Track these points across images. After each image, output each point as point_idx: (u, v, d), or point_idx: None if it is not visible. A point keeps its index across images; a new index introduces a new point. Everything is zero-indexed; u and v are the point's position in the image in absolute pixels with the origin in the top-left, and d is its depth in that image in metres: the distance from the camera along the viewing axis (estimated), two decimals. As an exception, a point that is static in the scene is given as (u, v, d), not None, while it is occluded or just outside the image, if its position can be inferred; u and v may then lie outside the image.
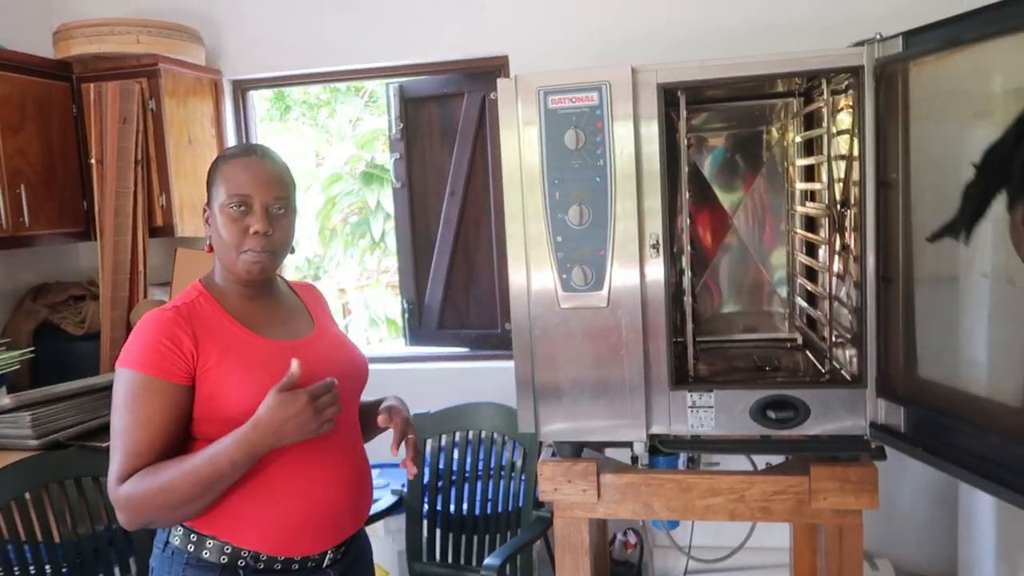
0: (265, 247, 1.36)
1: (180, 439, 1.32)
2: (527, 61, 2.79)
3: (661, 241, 1.77)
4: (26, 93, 2.58)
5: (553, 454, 1.96)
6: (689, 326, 1.90)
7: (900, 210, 1.61)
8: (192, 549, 1.33)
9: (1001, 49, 1.36)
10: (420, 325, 3.23)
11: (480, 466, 2.35)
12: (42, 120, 2.64)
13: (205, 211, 1.41)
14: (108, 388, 2.26)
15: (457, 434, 2.36)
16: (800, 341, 2.31)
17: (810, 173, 2.25)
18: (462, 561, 2.29)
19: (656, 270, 1.78)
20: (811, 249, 2.26)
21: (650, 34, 2.73)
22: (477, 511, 2.29)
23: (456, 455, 2.37)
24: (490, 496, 2.30)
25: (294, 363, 1.28)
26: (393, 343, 6.51)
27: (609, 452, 2.04)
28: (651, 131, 1.75)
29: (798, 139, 2.25)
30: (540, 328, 1.84)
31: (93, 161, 2.68)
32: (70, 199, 2.76)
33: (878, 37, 1.62)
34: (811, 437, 1.81)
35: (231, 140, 3.11)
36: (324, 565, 1.41)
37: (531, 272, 1.82)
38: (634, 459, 1.97)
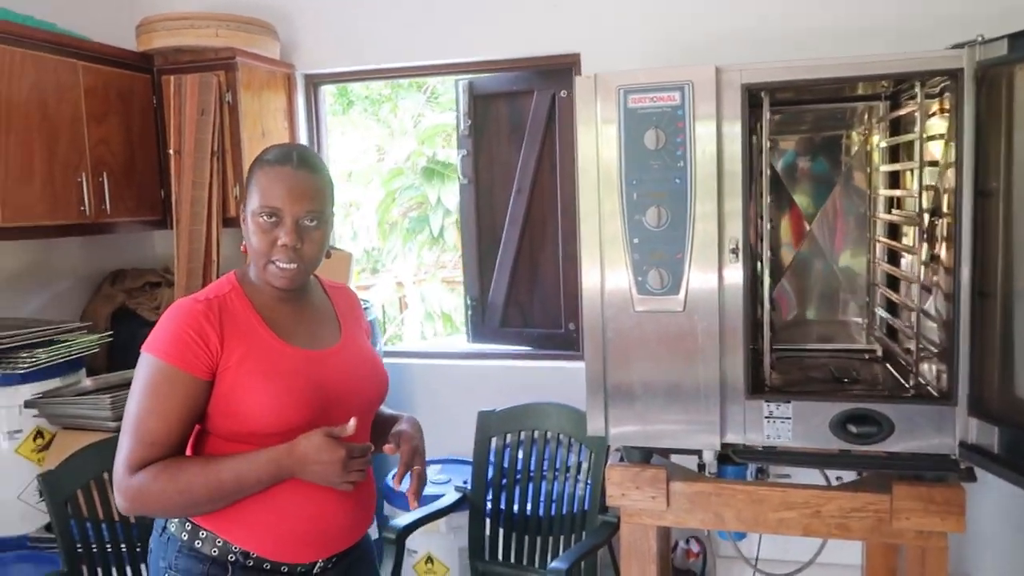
0: (292, 260, 1.34)
1: (192, 431, 1.34)
2: (599, 59, 2.75)
3: (741, 245, 1.73)
4: (110, 85, 2.65)
5: (621, 459, 1.93)
6: (766, 334, 1.84)
7: (1000, 221, 1.53)
8: (186, 538, 1.35)
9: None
10: (483, 322, 3.22)
11: (545, 466, 2.32)
12: (124, 111, 2.71)
13: (242, 210, 1.40)
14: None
15: (522, 433, 2.34)
16: (879, 353, 2.23)
17: (894, 179, 2.16)
18: (524, 561, 2.27)
19: (735, 275, 1.74)
20: (892, 258, 2.18)
21: (725, 34, 2.66)
22: (540, 512, 2.27)
23: (521, 454, 2.35)
24: (554, 497, 2.28)
25: (352, 421, 1.29)
26: (448, 339, 6.54)
27: (675, 459, 1.99)
28: (733, 132, 1.70)
29: (883, 144, 2.17)
30: (613, 330, 1.81)
31: (171, 151, 2.74)
32: (148, 188, 2.83)
33: (979, 39, 1.55)
34: (890, 454, 1.74)
35: (302, 133, 3.15)
36: (314, 572, 1.40)
37: (605, 273, 1.80)
38: (701, 467, 1.93)
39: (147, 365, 1.29)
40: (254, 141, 2.82)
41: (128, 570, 1.99)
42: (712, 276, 1.74)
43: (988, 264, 1.56)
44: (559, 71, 2.94)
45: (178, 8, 2.87)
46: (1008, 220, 1.52)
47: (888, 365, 2.14)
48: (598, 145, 1.77)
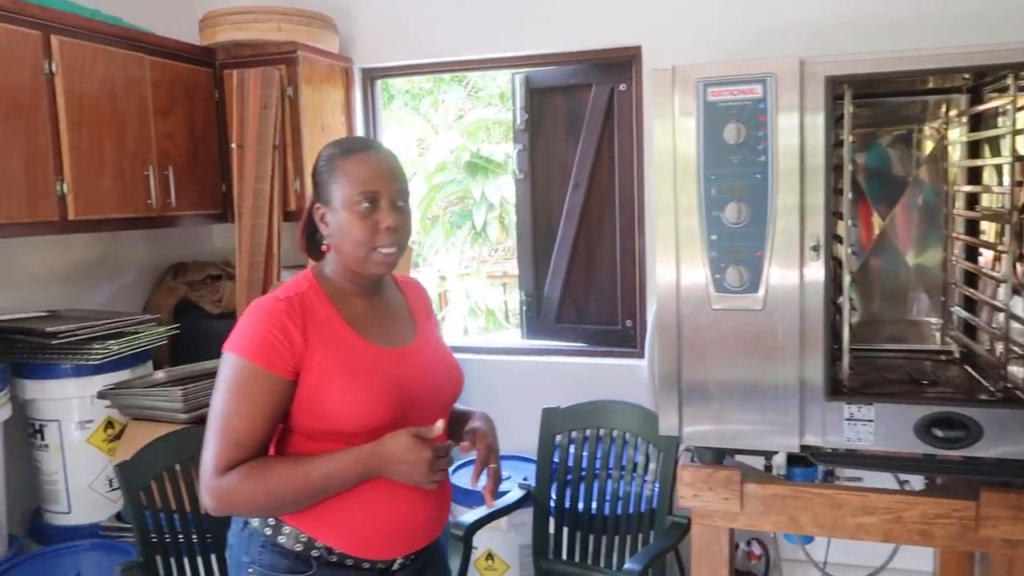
0: (395, 242, 1.34)
1: (276, 429, 1.33)
2: (660, 52, 2.71)
3: (822, 242, 1.68)
4: (176, 79, 2.68)
5: (692, 459, 1.90)
6: (845, 334, 1.79)
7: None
8: (269, 533, 1.34)
9: None
10: (538, 318, 3.20)
11: (611, 465, 2.29)
12: (188, 105, 2.74)
13: (318, 208, 1.37)
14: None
15: (587, 431, 2.32)
16: (956, 354, 2.16)
17: (974, 175, 2.09)
18: (589, 560, 2.25)
19: (816, 273, 1.69)
20: (970, 256, 2.11)
21: (785, 26, 2.60)
22: (606, 511, 2.25)
23: (586, 452, 2.33)
24: (620, 496, 2.25)
25: (440, 423, 1.30)
26: (490, 335, 6.53)
27: (740, 459, 1.95)
28: (815, 126, 1.65)
29: (964, 138, 2.10)
30: (689, 328, 1.77)
31: (234, 145, 2.76)
32: (210, 182, 2.85)
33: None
34: (973, 459, 1.68)
35: (359, 128, 3.15)
36: (393, 568, 1.40)
37: (681, 270, 1.76)
38: (767, 468, 1.89)
39: (231, 365, 1.29)
40: (314, 135, 2.84)
41: (199, 560, 2.00)
42: (792, 274, 1.69)
43: (1091, 263, 1.49)
44: (618, 64, 2.91)
45: (240, 3, 2.89)
46: (1115, 217, 1.45)
47: (967, 367, 2.07)
48: (675, 139, 1.73)
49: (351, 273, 1.39)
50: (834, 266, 1.84)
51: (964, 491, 1.73)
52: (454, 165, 7.06)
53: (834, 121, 1.75)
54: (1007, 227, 1.73)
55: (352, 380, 1.31)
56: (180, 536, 1.98)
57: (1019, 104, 1.76)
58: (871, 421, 1.71)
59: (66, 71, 2.22)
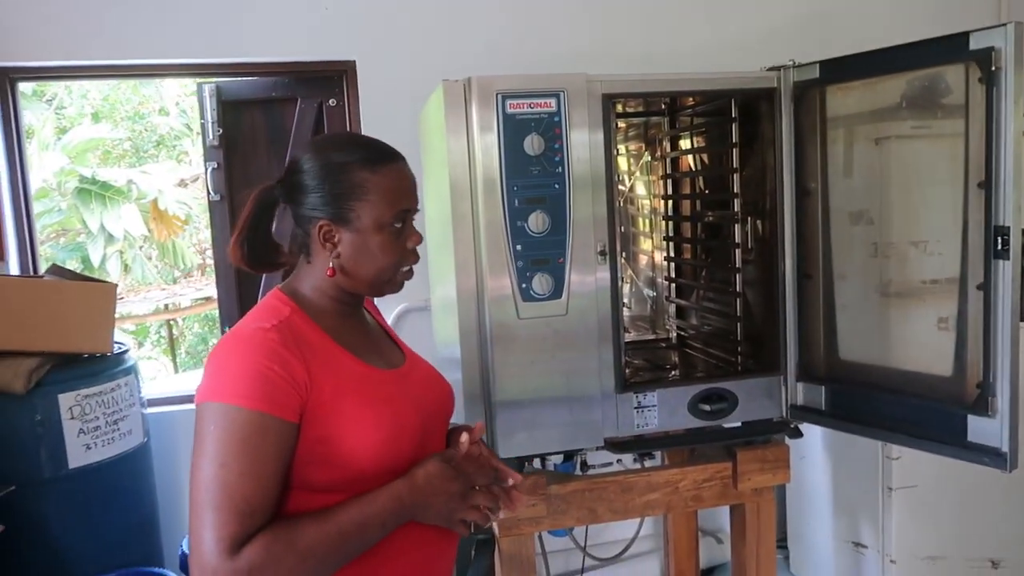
0: (417, 259, 1.22)
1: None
2: (375, 68, 2.66)
3: (608, 248, 1.82)
4: None
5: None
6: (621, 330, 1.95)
7: (819, 215, 1.84)
8: None
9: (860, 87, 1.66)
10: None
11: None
12: None
13: (323, 226, 1.14)
14: None
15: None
16: (674, 340, 2.51)
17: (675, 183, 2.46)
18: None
19: (605, 276, 1.82)
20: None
21: (490, 44, 2.72)
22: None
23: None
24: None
25: (464, 437, 1.18)
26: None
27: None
28: (598, 140, 1.78)
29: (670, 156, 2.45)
30: (498, 339, 1.76)
31: None
32: None
33: (792, 63, 1.85)
34: (718, 427, 1.96)
35: (-2, 140, 2.49)
36: None
37: (485, 285, 1.74)
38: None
39: (222, 417, 1.02)
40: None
41: None
42: (588, 279, 1.79)
43: (810, 251, 1.86)
44: (325, 78, 2.77)
45: None
46: (826, 214, 1.83)
47: (685, 349, 2.42)
48: (470, 151, 1.72)
49: (343, 293, 1.18)
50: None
51: (718, 455, 2.02)
52: (57, 192, 5.94)
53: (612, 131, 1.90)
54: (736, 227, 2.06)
55: (375, 411, 1.12)
56: None
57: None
58: (655, 406, 1.90)
59: None
